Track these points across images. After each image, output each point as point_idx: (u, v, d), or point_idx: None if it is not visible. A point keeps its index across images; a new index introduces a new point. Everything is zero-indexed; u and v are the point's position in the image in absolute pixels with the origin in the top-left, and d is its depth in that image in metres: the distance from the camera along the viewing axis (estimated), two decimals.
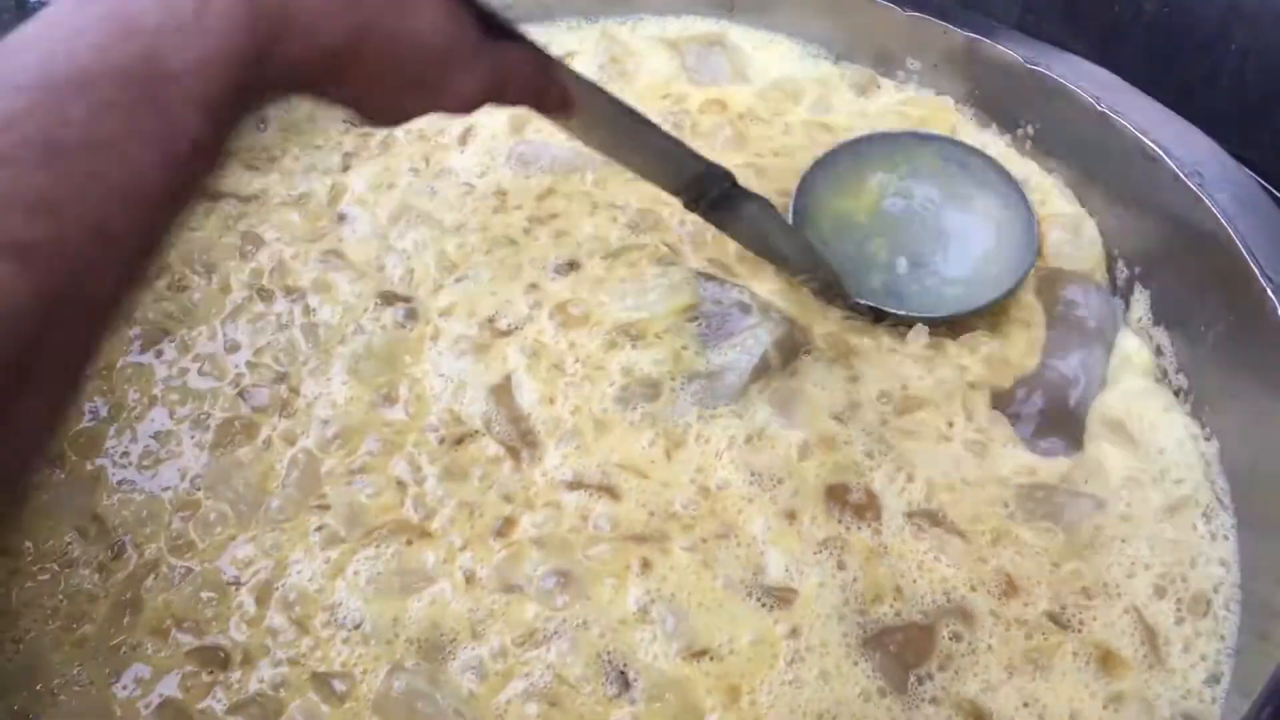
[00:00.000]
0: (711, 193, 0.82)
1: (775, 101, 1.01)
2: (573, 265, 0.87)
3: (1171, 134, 0.87)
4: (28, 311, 0.40)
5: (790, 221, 0.89)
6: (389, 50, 0.56)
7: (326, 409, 0.79)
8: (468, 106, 0.64)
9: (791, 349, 0.83)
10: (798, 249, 0.87)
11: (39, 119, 0.42)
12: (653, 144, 0.78)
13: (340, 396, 0.80)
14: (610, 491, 0.74)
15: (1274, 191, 0.94)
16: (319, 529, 0.73)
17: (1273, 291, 0.76)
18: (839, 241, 0.90)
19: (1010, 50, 0.94)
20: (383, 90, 0.58)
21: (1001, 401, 0.83)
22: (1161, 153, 0.85)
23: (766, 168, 0.95)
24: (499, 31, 0.63)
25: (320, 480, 0.76)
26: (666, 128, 0.81)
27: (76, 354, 0.44)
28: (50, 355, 0.41)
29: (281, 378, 0.81)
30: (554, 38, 1.07)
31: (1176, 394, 0.84)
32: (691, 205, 0.83)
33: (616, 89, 0.79)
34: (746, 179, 0.84)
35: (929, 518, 0.75)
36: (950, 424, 0.80)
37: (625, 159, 0.81)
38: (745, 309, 0.83)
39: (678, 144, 0.79)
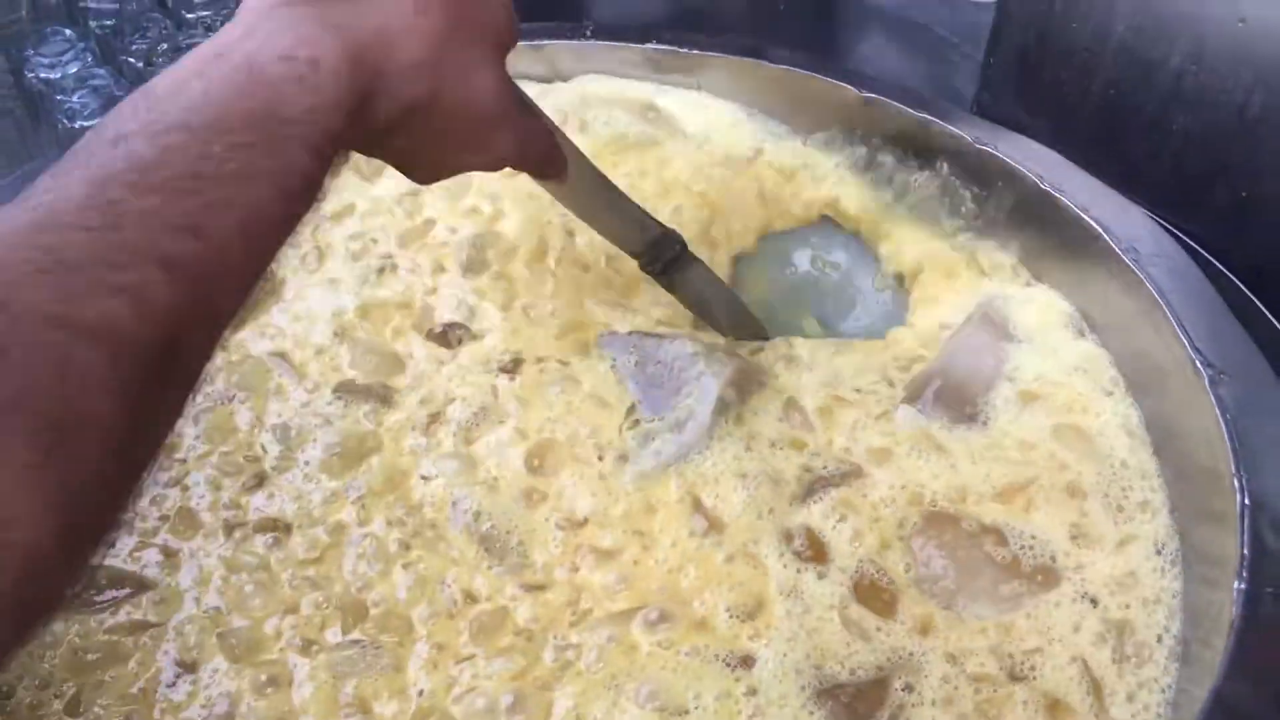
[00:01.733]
0: (665, 255, 0.90)
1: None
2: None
3: (1110, 211, 0.91)
4: (168, 312, 0.46)
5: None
6: (454, 110, 0.65)
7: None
8: (494, 165, 0.75)
9: (746, 382, 0.86)
10: (734, 312, 0.95)
11: (187, 154, 0.50)
12: (624, 209, 0.88)
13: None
14: (604, 557, 0.77)
15: (1215, 262, 0.98)
16: None
17: (1201, 365, 0.80)
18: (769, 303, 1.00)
19: (961, 131, 0.99)
20: (436, 148, 0.68)
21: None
22: (1100, 229, 0.90)
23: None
24: (525, 106, 0.76)
25: None
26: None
27: (201, 358, 0.51)
28: (183, 355, 0.48)
29: None
30: None
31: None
32: (647, 268, 0.91)
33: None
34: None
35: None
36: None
37: (598, 222, 0.90)
38: (691, 359, 0.86)
39: (642, 210, 0.89)
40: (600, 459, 0.83)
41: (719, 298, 0.94)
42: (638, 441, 0.83)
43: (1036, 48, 1.09)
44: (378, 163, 0.74)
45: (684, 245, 0.91)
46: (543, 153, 0.78)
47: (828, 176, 1.05)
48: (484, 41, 0.67)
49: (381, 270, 0.96)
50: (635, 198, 0.90)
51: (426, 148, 0.68)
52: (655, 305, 0.95)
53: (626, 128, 1.07)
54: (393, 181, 1.02)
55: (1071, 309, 0.93)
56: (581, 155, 0.83)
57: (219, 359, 0.89)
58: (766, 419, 0.85)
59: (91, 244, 0.45)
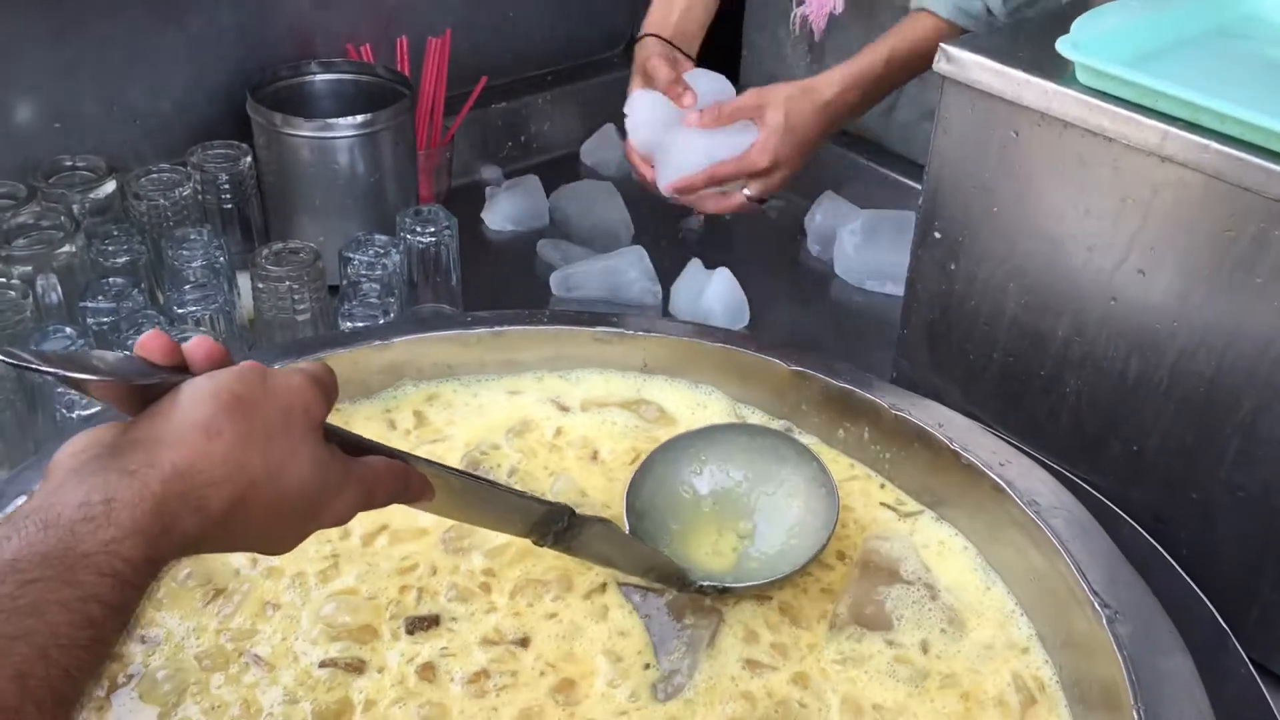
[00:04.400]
0: (553, 529, 0.93)
1: None
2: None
3: (1013, 469, 1.02)
4: None
5: (626, 516, 1.05)
6: (277, 501, 0.68)
7: None
8: (343, 520, 0.75)
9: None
10: (635, 557, 1.01)
11: None
12: (499, 502, 0.90)
13: None
14: None
15: (1115, 508, 1.09)
16: None
17: (1099, 605, 0.89)
18: (673, 527, 1.07)
19: (877, 398, 1.11)
20: (275, 530, 0.71)
21: None
22: (1005, 484, 1.00)
23: None
24: (361, 449, 0.76)
25: None
26: None
27: None
28: None
29: None
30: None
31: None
32: (539, 542, 0.94)
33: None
34: None
35: None
36: None
37: (474, 520, 0.94)
38: None
39: (520, 495, 0.93)
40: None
41: (622, 554, 1.01)
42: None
43: (941, 322, 1.23)
44: None
45: (572, 514, 0.93)
46: (391, 491, 0.77)
47: None
48: (288, 432, 0.68)
49: None
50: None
51: (264, 533, 0.70)
52: None
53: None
54: None
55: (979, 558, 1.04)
56: (443, 469, 0.83)
57: None
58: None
59: None
